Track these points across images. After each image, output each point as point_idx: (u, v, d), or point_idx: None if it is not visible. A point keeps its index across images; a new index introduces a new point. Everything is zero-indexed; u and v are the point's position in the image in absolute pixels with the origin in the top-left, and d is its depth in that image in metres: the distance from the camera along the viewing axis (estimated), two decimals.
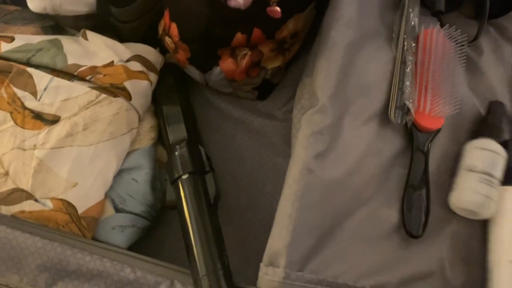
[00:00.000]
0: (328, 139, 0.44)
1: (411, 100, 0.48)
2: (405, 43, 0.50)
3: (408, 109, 0.48)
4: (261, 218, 0.53)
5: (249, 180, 0.55)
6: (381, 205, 0.46)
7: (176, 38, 0.48)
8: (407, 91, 0.49)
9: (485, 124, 0.50)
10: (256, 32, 0.47)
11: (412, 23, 0.52)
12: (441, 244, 0.47)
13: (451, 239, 0.47)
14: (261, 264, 0.42)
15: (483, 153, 0.47)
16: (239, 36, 0.47)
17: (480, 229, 0.48)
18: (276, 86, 0.57)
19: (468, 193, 0.46)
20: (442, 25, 0.52)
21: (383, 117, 0.47)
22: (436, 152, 0.49)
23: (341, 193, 0.44)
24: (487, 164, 0.47)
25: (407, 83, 0.49)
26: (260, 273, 0.42)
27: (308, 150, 0.43)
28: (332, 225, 0.43)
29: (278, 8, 0.45)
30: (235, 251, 0.51)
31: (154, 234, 0.53)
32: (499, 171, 0.47)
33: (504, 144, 0.49)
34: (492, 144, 0.48)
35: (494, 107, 0.51)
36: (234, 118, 0.57)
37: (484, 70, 0.54)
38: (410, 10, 0.52)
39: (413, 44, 0.51)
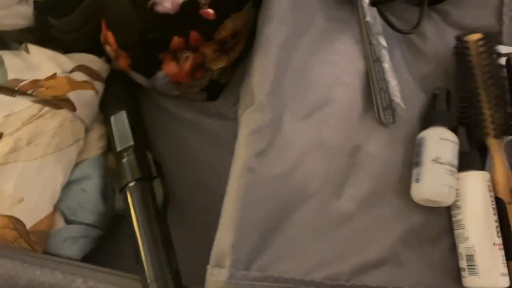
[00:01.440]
0: (268, 137, 0.44)
1: (397, 94, 0.49)
2: (372, 40, 0.50)
3: (398, 104, 0.49)
4: (217, 219, 0.52)
5: (204, 181, 0.55)
6: (329, 197, 0.46)
7: (114, 46, 0.48)
8: (391, 87, 0.49)
9: (435, 112, 0.50)
10: (193, 35, 0.47)
11: (368, 18, 0.52)
12: (395, 231, 0.47)
13: (406, 226, 0.48)
14: (208, 266, 0.42)
15: (448, 144, 0.47)
16: (176, 40, 0.47)
17: (436, 213, 0.49)
18: (225, 86, 0.57)
19: (437, 185, 0.46)
20: (381, 15, 0.52)
21: (324, 110, 0.48)
22: (390, 143, 0.49)
23: (285, 189, 0.44)
24: (451, 155, 0.47)
25: (390, 79, 0.49)
26: (207, 275, 0.42)
27: (248, 149, 0.43)
28: (278, 221, 0.43)
29: (210, 10, 0.45)
30: (192, 253, 0.51)
31: (111, 242, 0.53)
32: (455, 158, 0.47)
33: (454, 130, 0.49)
34: (447, 133, 0.48)
35: (441, 94, 0.51)
36: (185, 120, 0.57)
37: (429, 56, 0.55)
38: (363, 4, 0.52)
39: (379, 37, 0.51)
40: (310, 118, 0.47)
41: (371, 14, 0.52)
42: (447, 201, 0.47)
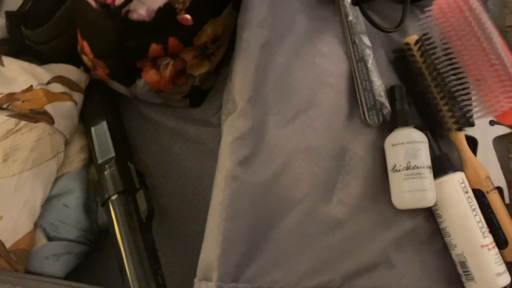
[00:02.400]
0: (251, 144, 0.43)
1: (382, 94, 0.48)
2: (355, 39, 0.49)
3: (382, 104, 0.48)
4: (204, 228, 0.52)
5: (190, 190, 0.54)
6: (318, 201, 0.45)
7: (91, 56, 0.47)
8: (375, 87, 0.48)
9: (395, 113, 0.48)
10: (172, 41, 0.46)
11: (351, 17, 0.51)
12: (386, 235, 0.46)
13: (397, 229, 0.47)
14: (195, 280, 0.41)
15: (400, 148, 0.46)
16: (154, 47, 0.46)
17: (427, 215, 0.48)
18: (208, 92, 0.56)
19: (399, 194, 0.46)
20: (363, 14, 0.51)
21: (309, 113, 0.47)
22: (376, 144, 0.48)
23: (271, 196, 0.43)
24: (408, 158, 0.45)
25: (374, 79, 0.48)
26: None
27: (231, 157, 0.42)
28: (266, 229, 0.42)
29: (188, 16, 0.43)
30: (181, 264, 0.51)
31: (97, 258, 0.52)
32: (424, 158, 0.46)
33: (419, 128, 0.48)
34: (406, 133, 0.47)
35: (398, 92, 0.49)
36: (169, 128, 0.55)
37: None
38: (345, 3, 0.51)
39: (363, 37, 0.50)
40: (295, 121, 0.46)
41: (353, 13, 0.51)
42: (423, 204, 0.45)
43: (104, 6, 0.39)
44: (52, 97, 0.49)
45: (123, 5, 0.39)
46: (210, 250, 0.40)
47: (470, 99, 0.51)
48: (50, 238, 0.47)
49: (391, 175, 0.47)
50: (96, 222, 0.50)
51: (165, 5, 0.41)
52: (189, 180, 0.54)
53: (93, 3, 0.40)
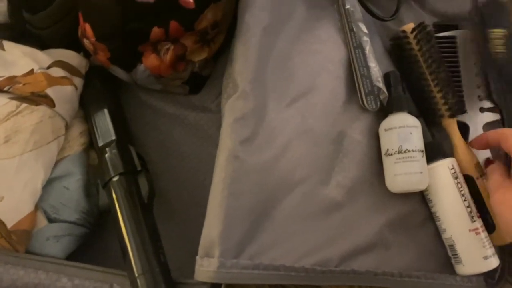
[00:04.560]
0: (252, 124, 0.44)
1: (379, 79, 0.49)
2: (352, 27, 0.50)
3: (379, 89, 0.49)
4: (204, 212, 0.52)
5: (190, 175, 0.54)
6: (316, 184, 0.46)
7: (93, 39, 0.47)
8: (372, 73, 0.49)
9: (390, 99, 0.50)
10: (173, 25, 0.46)
11: (348, 5, 0.52)
12: (382, 217, 0.47)
13: (392, 211, 0.48)
14: (197, 257, 0.41)
15: (392, 133, 0.47)
16: (156, 30, 0.46)
17: (422, 198, 0.49)
18: (207, 78, 0.56)
19: (391, 177, 0.47)
20: (360, 2, 0.53)
21: (308, 97, 0.48)
22: (374, 129, 0.49)
23: (272, 176, 0.44)
24: (400, 142, 0.46)
25: (372, 65, 0.49)
26: (197, 266, 0.41)
27: (233, 137, 0.43)
28: (266, 208, 0.43)
29: None
30: (181, 247, 0.51)
31: (96, 240, 0.52)
32: (416, 142, 0.47)
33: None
34: (398, 118, 0.48)
35: (393, 78, 0.50)
36: (168, 114, 0.56)
37: None
38: None
39: (360, 24, 0.51)
40: (294, 105, 0.47)
41: (350, 2, 0.53)
42: (416, 187, 0.47)
43: None
44: (52, 81, 0.49)
45: None
46: (212, 227, 0.41)
47: (462, 86, 0.52)
48: (50, 220, 0.47)
49: (385, 159, 0.48)
50: (96, 206, 0.50)
51: None
52: (188, 165, 0.55)
53: None
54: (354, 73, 0.50)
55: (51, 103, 0.48)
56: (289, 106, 0.47)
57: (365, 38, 0.51)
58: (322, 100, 0.48)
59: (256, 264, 0.41)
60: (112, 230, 0.50)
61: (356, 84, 0.50)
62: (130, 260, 0.42)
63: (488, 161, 0.48)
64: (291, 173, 0.45)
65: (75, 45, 0.53)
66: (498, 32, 0.51)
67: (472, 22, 0.53)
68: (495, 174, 0.44)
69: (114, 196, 0.46)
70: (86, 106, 0.53)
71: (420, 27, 0.52)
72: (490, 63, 0.51)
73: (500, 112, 0.52)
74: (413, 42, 0.52)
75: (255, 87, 0.45)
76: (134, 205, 0.45)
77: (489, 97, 0.51)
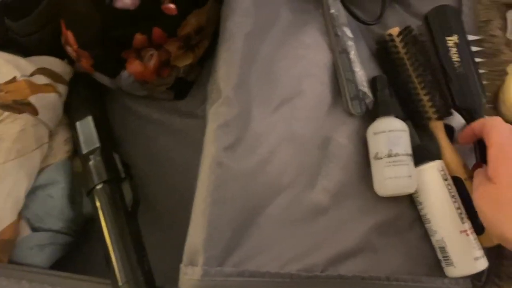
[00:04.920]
0: (236, 131, 0.44)
1: (364, 84, 0.49)
2: (337, 31, 0.50)
3: (365, 93, 0.49)
4: (189, 219, 0.52)
5: (176, 181, 0.54)
6: (302, 189, 0.46)
7: (75, 46, 0.47)
8: (358, 77, 0.49)
9: (377, 103, 0.50)
10: (156, 31, 0.46)
11: (333, 10, 0.52)
12: (369, 221, 0.47)
13: (379, 215, 0.48)
14: (181, 265, 0.41)
15: (382, 137, 0.47)
16: (138, 37, 0.46)
17: (409, 201, 0.49)
18: (193, 84, 0.56)
19: (381, 181, 0.47)
20: (345, 7, 0.53)
21: (294, 102, 0.47)
22: (359, 133, 0.49)
23: (257, 183, 0.43)
24: (389, 146, 0.46)
25: (356, 69, 0.49)
26: (181, 274, 0.41)
27: (216, 144, 0.43)
28: (251, 215, 0.43)
29: (172, 5, 0.44)
30: (167, 254, 0.50)
31: (81, 249, 0.51)
32: (405, 146, 0.47)
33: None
34: (387, 122, 0.48)
35: (380, 82, 0.50)
36: (154, 120, 0.56)
37: None
38: None
39: (345, 29, 0.51)
40: (279, 110, 0.47)
41: (335, 6, 0.53)
42: (404, 191, 0.47)
43: None
44: (35, 88, 0.49)
45: None
46: (196, 235, 0.41)
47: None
48: (34, 229, 0.47)
49: (373, 163, 0.48)
50: (81, 214, 0.50)
51: None
52: (174, 171, 0.54)
53: None
54: (339, 77, 0.50)
55: (34, 111, 0.48)
56: (275, 111, 0.46)
57: (350, 43, 0.51)
58: (308, 105, 0.48)
59: (241, 271, 0.41)
60: (97, 238, 0.50)
61: (341, 89, 0.50)
62: (113, 268, 0.42)
63: (476, 165, 0.48)
64: (277, 178, 0.45)
65: (59, 51, 0.53)
66: (451, 40, 0.51)
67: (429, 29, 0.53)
68: (480, 175, 0.44)
69: (98, 204, 0.45)
70: (70, 113, 0.53)
71: (406, 30, 0.52)
72: (451, 70, 0.51)
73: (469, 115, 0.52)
74: (399, 45, 0.52)
75: (239, 93, 0.44)
76: (118, 213, 0.45)
77: (453, 103, 0.51)
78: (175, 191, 0.53)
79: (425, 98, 0.51)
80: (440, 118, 0.51)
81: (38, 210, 0.47)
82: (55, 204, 0.48)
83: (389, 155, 0.46)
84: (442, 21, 0.52)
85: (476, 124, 0.46)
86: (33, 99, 0.48)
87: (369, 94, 0.50)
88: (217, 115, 0.44)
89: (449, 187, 0.48)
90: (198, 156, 0.55)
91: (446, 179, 0.48)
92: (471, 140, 0.48)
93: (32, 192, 0.47)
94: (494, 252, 0.51)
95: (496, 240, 0.46)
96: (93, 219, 0.47)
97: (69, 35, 0.46)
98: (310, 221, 0.45)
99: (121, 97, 0.57)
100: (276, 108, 0.47)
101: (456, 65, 0.50)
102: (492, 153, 0.42)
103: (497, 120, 0.44)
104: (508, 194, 0.39)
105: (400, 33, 0.52)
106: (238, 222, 0.42)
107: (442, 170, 0.48)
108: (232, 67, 0.45)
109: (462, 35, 0.51)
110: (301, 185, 0.46)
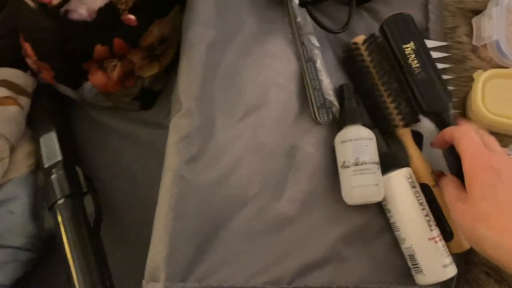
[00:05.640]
0: (199, 143, 0.43)
1: (330, 92, 0.49)
2: (304, 40, 0.50)
3: (331, 102, 0.48)
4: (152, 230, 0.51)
5: (141, 195, 0.53)
6: (269, 199, 0.45)
7: (34, 58, 0.46)
8: (324, 86, 0.49)
9: (344, 111, 0.49)
10: (117, 42, 0.45)
11: (299, 18, 0.52)
12: (335, 230, 0.47)
13: (346, 224, 0.48)
14: (143, 282, 0.40)
15: (348, 145, 0.47)
16: (99, 48, 0.45)
17: (376, 210, 0.49)
18: (159, 94, 0.55)
19: (348, 189, 0.46)
20: (311, 15, 0.52)
21: (259, 112, 0.47)
22: (326, 142, 0.49)
23: (220, 195, 0.43)
24: (356, 154, 0.46)
25: (322, 78, 0.49)
26: None
27: (177, 157, 0.42)
28: (214, 228, 0.42)
29: (132, 16, 0.43)
30: (132, 269, 0.49)
31: (45, 265, 0.50)
32: (371, 154, 0.47)
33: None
34: (354, 130, 0.48)
35: (346, 90, 0.50)
36: (120, 132, 0.55)
37: None
38: (293, 4, 0.52)
39: (311, 37, 0.51)
40: (244, 120, 0.46)
41: (301, 15, 0.52)
42: (371, 199, 0.46)
43: (41, 6, 0.39)
44: None
45: (61, 4, 0.39)
46: (157, 250, 0.40)
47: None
48: None
49: (341, 172, 0.47)
50: (44, 229, 0.49)
51: (106, 5, 0.41)
52: (140, 184, 0.53)
53: (31, 3, 0.40)
54: (306, 86, 0.50)
55: None
56: (239, 121, 0.46)
57: (316, 51, 0.51)
58: (273, 114, 0.48)
59: (204, 286, 0.40)
60: (60, 254, 0.49)
61: (308, 97, 0.49)
62: (74, 285, 0.41)
63: (438, 174, 0.48)
64: (242, 190, 0.44)
65: (22, 63, 0.52)
66: (408, 47, 0.51)
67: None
68: (450, 187, 0.44)
69: (59, 219, 0.44)
70: (33, 126, 0.52)
71: (371, 38, 0.52)
72: (413, 76, 0.51)
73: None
74: (365, 54, 0.52)
75: (200, 104, 0.44)
76: (80, 229, 0.44)
77: (420, 108, 0.51)
78: (140, 205, 0.53)
79: (391, 105, 0.51)
80: (406, 125, 0.51)
81: None
82: (16, 220, 0.47)
83: (356, 164, 0.46)
84: (397, 30, 0.52)
85: (446, 132, 0.46)
86: None
87: (335, 102, 0.49)
88: (178, 127, 0.43)
89: (417, 195, 0.47)
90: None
91: (414, 187, 0.48)
92: (444, 146, 0.48)
93: None
94: (463, 259, 0.51)
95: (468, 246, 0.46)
96: (56, 235, 0.46)
97: (27, 47, 0.45)
98: (276, 232, 0.45)
99: (86, 108, 0.56)
100: (240, 118, 0.46)
101: (416, 71, 0.50)
102: (466, 167, 0.41)
103: (466, 128, 0.44)
104: (484, 208, 0.38)
105: (365, 41, 0.52)
106: (201, 236, 0.41)
107: (410, 178, 0.48)
108: (193, 78, 0.44)
109: (418, 40, 0.51)
110: (267, 196, 0.45)
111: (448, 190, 0.44)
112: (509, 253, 0.36)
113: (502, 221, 0.37)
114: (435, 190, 0.49)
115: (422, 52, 0.51)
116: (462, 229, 0.41)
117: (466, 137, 0.42)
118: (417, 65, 0.50)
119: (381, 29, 0.53)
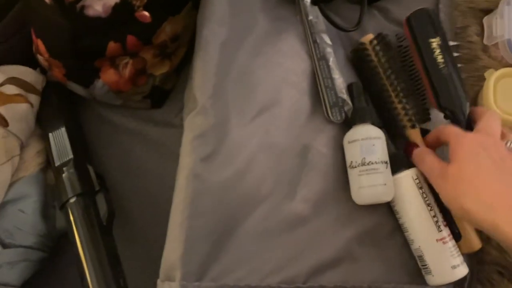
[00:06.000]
0: (213, 141, 0.43)
1: (343, 91, 0.48)
2: (316, 38, 0.50)
3: (344, 101, 0.48)
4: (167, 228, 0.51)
5: (152, 193, 0.52)
6: (282, 199, 0.45)
7: (46, 55, 0.46)
8: (337, 84, 0.48)
9: (354, 111, 0.49)
10: (131, 39, 0.45)
11: (311, 17, 0.51)
12: (349, 230, 0.47)
13: (359, 224, 0.47)
14: (158, 281, 0.40)
15: (355, 145, 0.46)
16: (112, 45, 0.45)
17: (388, 210, 0.49)
18: (169, 92, 0.55)
19: (356, 190, 0.46)
20: (323, 13, 0.52)
21: (272, 111, 0.47)
22: (339, 141, 0.49)
23: (234, 194, 0.42)
24: (363, 155, 0.46)
25: (336, 76, 0.49)
26: None
27: (193, 155, 0.42)
28: (229, 227, 0.42)
29: (146, 13, 0.43)
30: (145, 268, 0.49)
31: (55, 265, 0.50)
32: (379, 154, 0.46)
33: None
34: (361, 130, 0.47)
35: (356, 89, 0.50)
36: (129, 130, 0.54)
37: None
38: (305, 3, 0.52)
39: (323, 36, 0.51)
40: (257, 119, 0.46)
41: (313, 13, 0.52)
42: (381, 199, 0.46)
43: (57, 1, 0.38)
44: (5, 99, 0.47)
45: (78, 0, 0.38)
46: (173, 249, 0.40)
47: (424, 95, 0.52)
48: (4, 245, 0.45)
49: (349, 172, 0.47)
50: (54, 228, 0.48)
51: (122, 1, 0.40)
52: (151, 182, 0.53)
53: None
54: (318, 85, 0.49)
55: (4, 122, 0.46)
56: (252, 120, 0.46)
57: (329, 50, 0.50)
58: (286, 113, 0.47)
59: (219, 285, 0.40)
60: (71, 254, 0.48)
61: (321, 96, 0.49)
62: (88, 285, 0.40)
63: (408, 145, 0.49)
64: (256, 189, 0.44)
65: (31, 61, 0.51)
66: (434, 42, 0.51)
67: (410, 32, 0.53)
68: (428, 161, 0.45)
69: (71, 218, 0.44)
70: (43, 124, 0.51)
71: (378, 38, 0.51)
72: (436, 70, 0.51)
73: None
74: (372, 53, 0.51)
75: (215, 102, 0.43)
76: (92, 227, 0.43)
77: (438, 103, 0.51)
78: (152, 203, 0.52)
79: (399, 106, 0.50)
80: (414, 126, 0.50)
81: (8, 225, 0.45)
82: (26, 219, 0.46)
83: (363, 164, 0.46)
84: (424, 23, 0.51)
85: (433, 131, 0.47)
86: (3, 110, 0.46)
87: (349, 101, 0.49)
88: (193, 125, 0.43)
89: (424, 196, 0.47)
90: (175, 166, 0.53)
91: (421, 187, 0.47)
92: (435, 145, 0.48)
93: (1, 207, 0.46)
94: (475, 258, 0.50)
95: (457, 214, 0.46)
96: (67, 234, 0.45)
97: (40, 44, 0.45)
98: (290, 232, 0.45)
99: (95, 106, 0.55)
100: (253, 117, 0.46)
101: (440, 66, 0.50)
102: (452, 143, 0.43)
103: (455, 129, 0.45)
104: (468, 170, 0.41)
105: (372, 41, 0.51)
106: (216, 235, 0.41)
107: (417, 178, 0.48)
108: (207, 76, 0.44)
109: (443, 37, 0.51)
110: (281, 195, 0.45)
111: (426, 164, 0.45)
112: (487, 206, 0.39)
113: (480, 180, 0.40)
114: None
115: (446, 49, 0.50)
116: (442, 189, 0.43)
117: (452, 129, 0.45)
118: (442, 60, 0.50)
119: (408, 21, 0.52)
